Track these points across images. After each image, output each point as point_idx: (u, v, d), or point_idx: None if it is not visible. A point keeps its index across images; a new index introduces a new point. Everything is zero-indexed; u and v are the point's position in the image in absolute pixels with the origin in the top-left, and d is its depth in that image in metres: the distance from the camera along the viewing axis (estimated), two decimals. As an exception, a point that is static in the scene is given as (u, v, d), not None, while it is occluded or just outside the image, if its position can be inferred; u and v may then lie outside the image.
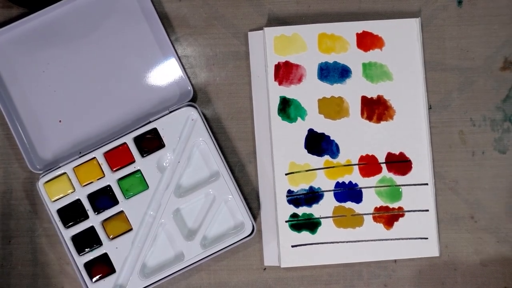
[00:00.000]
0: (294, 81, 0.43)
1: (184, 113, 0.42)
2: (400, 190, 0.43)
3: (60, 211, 0.41)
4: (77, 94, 0.43)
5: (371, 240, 0.42)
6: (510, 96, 0.43)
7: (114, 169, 0.41)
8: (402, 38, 0.43)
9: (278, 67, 0.43)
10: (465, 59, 0.44)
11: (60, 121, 0.43)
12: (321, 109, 0.43)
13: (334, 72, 0.43)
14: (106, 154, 0.41)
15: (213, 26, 0.44)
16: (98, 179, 0.41)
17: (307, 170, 0.43)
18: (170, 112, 0.42)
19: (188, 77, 0.43)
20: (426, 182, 0.43)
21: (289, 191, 0.43)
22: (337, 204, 0.43)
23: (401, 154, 0.43)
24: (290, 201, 0.43)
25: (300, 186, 0.43)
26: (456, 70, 0.43)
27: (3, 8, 0.43)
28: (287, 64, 0.43)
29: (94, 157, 0.41)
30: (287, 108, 0.43)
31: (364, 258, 0.42)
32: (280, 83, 0.43)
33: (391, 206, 0.43)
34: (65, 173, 0.41)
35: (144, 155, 0.41)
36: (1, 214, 0.43)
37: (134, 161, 0.41)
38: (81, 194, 0.41)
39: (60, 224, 0.41)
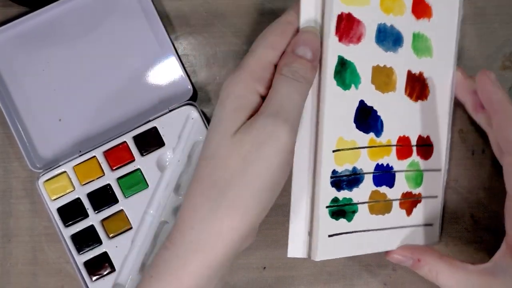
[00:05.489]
0: (354, 40, 0.36)
1: (184, 112, 0.42)
2: (422, 175, 0.40)
3: (60, 210, 0.41)
4: (77, 93, 0.43)
5: (396, 228, 0.39)
6: (510, 95, 0.43)
7: (114, 168, 0.41)
8: (446, 13, 0.39)
9: (340, 18, 0.35)
10: (465, 58, 0.44)
11: (60, 119, 0.43)
12: (374, 78, 0.37)
13: (390, 38, 0.37)
14: (106, 153, 0.41)
15: (213, 25, 0.44)
16: (98, 178, 0.41)
17: (354, 148, 0.37)
18: (170, 111, 0.42)
19: (188, 76, 0.43)
20: (440, 168, 0.40)
21: (334, 172, 0.36)
22: (374, 188, 0.38)
23: (428, 138, 0.40)
24: (333, 183, 0.36)
25: (345, 166, 0.36)
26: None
27: (3, 7, 0.44)
28: (349, 18, 0.35)
29: (94, 156, 0.41)
30: (343, 72, 0.35)
31: (393, 245, 0.39)
32: (340, 39, 0.35)
33: (413, 192, 0.39)
34: (65, 171, 0.41)
35: (144, 154, 0.41)
36: (1, 212, 0.43)
37: (134, 160, 0.41)
38: (81, 193, 0.41)
39: (60, 223, 0.41)
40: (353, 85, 0.36)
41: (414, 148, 0.39)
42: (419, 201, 0.40)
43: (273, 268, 0.43)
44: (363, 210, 0.37)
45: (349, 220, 0.37)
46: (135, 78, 0.43)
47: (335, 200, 0.36)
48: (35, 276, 0.43)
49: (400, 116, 0.38)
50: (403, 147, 0.38)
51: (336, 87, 0.35)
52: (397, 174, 0.39)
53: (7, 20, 0.43)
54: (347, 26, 0.35)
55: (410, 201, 0.39)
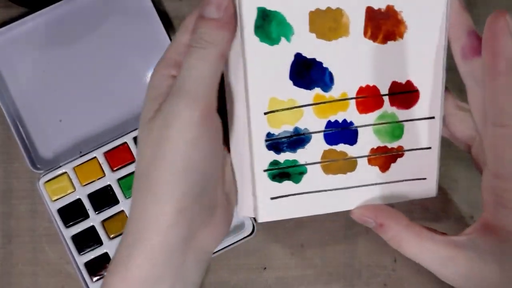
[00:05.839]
0: None
1: (184, 112, 0.42)
2: (402, 126, 0.35)
3: (60, 211, 0.41)
4: (77, 94, 0.43)
5: (363, 186, 0.35)
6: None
7: (115, 169, 0.41)
8: None
9: None
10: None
11: (60, 120, 0.43)
12: (312, 25, 0.32)
13: None
14: (107, 154, 0.41)
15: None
16: (98, 179, 0.41)
17: (291, 108, 0.33)
18: (170, 111, 0.42)
19: (188, 77, 0.43)
20: (433, 116, 0.34)
21: (269, 134, 0.33)
22: (327, 147, 0.34)
23: (408, 83, 0.34)
24: (269, 146, 0.34)
25: (283, 128, 0.33)
26: (456, 70, 0.43)
27: (3, 7, 0.44)
28: None
29: (95, 157, 0.41)
30: (267, 25, 0.31)
31: (353, 205, 0.35)
32: None
33: (389, 146, 0.35)
34: (65, 172, 0.41)
35: (145, 155, 0.41)
36: (2, 213, 0.43)
37: (134, 161, 0.41)
38: (82, 194, 0.41)
39: (60, 224, 0.41)
40: (283, 38, 0.32)
41: (386, 98, 0.34)
42: (400, 155, 0.35)
43: (273, 268, 0.43)
44: (314, 170, 0.35)
45: (297, 181, 0.35)
46: (135, 78, 0.43)
47: (275, 163, 0.34)
48: (36, 277, 0.43)
49: (360, 64, 0.33)
50: (367, 99, 0.34)
51: (260, 44, 0.31)
52: (360, 130, 0.34)
53: (8, 21, 0.43)
54: None
55: (384, 157, 0.35)
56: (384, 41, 0.33)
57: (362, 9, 0.32)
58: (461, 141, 0.35)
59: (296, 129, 0.34)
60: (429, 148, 0.35)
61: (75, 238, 0.41)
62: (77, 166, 0.41)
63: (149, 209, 0.30)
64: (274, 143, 0.34)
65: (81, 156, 0.41)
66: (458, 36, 0.33)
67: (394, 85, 0.34)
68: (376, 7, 0.32)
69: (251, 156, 0.34)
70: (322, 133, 0.34)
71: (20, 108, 0.43)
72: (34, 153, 0.42)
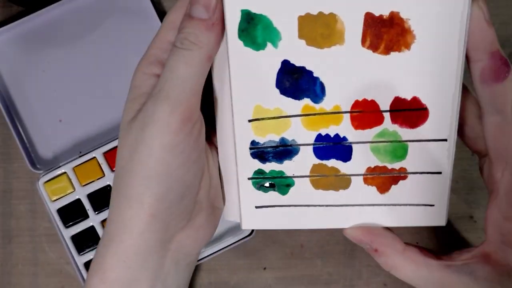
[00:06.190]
0: None
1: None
2: (406, 146, 0.31)
3: (60, 211, 0.41)
4: (77, 94, 0.43)
5: (358, 205, 0.33)
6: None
7: (114, 169, 0.41)
8: None
9: None
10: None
11: (60, 120, 0.43)
12: (302, 31, 0.29)
13: None
14: (106, 154, 0.41)
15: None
16: (98, 179, 0.41)
17: (277, 117, 0.31)
18: (170, 111, 0.41)
19: (188, 77, 0.43)
20: (445, 138, 0.31)
21: (253, 142, 0.32)
22: (317, 161, 0.32)
23: (415, 99, 0.30)
24: (254, 155, 0.32)
25: (268, 137, 0.32)
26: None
27: (3, 7, 0.44)
28: None
29: (94, 157, 0.41)
30: (252, 29, 0.29)
31: (347, 224, 0.33)
32: None
33: (390, 166, 0.32)
34: (65, 172, 0.41)
35: (144, 155, 0.41)
36: (1, 213, 0.43)
37: (134, 161, 0.41)
38: (81, 194, 0.41)
39: (60, 224, 0.41)
40: (269, 44, 0.29)
41: (387, 114, 0.31)
42: (403, 177, 0.32)
43: (273, 268, 0.43)
44: (302, 184, 0.32)
45: (283, 193, 0.33)
46: (135, 78, 0.43)
47: (260, 172, 0.32)
48: (36, 277, 0.43)
49: (356, 76, 0.30)
50: (363, 114, 0.31)
51: (245, 48, 0.29)
52: (355, 146, 0.32)
53: (7, 20, 0.43)
54: None
55: (383, 177, 0.32)
56: (386, 51, 0.29)
57: (360, 15, 0.29)
58: (472, 150, 0.33)
59: (282, 139, 0.32)
60: (439, 173, 0.32)
61: (75, 238, 0.41)
62: (77, 166, 0.41)
63: (122, 212, 0.30)
64: (259, 152, 0.32)
65: (80, 156, 0.41)
66: (479, 56, 0.28)
67: (397, 101, 0.30)
68: (377, 14, 0.28)
69: (236, 163, 0.33)
70: (311, 146, 0.32)
71: (20, 108, 0.43)
72: (34, 153, 0.42)
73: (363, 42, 0.29)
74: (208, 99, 0.31)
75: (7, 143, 0.43)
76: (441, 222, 0.33)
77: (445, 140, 0.31)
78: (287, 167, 0.32)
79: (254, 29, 0.29)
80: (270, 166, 0.32)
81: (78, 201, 0.41)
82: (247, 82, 0.30)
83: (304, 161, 0.32)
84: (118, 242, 0.30)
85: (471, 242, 0.43)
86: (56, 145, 0.43)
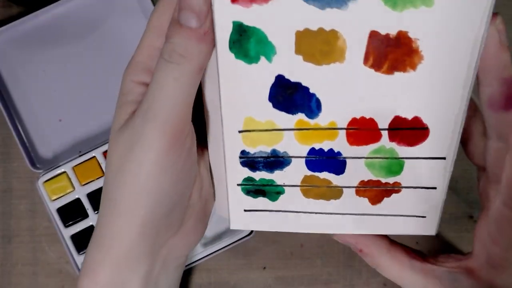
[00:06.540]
0: None
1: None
2: (402, 163, 0.30)
3: (60, 210, 0.41)
4: (77, 93, 0.43)
5: (349, 214, 0.32)
6: None
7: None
8: None
9: None
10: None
11: (60, 120, 0.43)
12: (299, 47, 0.27)
13: None
14: (106, 153, 0.41)
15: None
16: (97, 178, 0.41)
17: (269, 130, 0.30)
18: (170, 111, 0.42)
19: (188, 76, 0.43)
20: (443, 156, 0.30)
21: (243, 152, 0.31)
22: (309, 173, 0.31)
23: (416, 119, 0.29)
24: (244, 164, 0.31)
25: (259, 148, 0.30)
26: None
27: (3, 7, 0.44)
28: None
29: (94, 156, 0.41)
30: (244, 41, 0.27)
31: (336, 230, 0.33)
32: (234, 0, 0.26)
33: (384, 180, 0.31)
34: (65, 172, 0.41)
35: (144, 154, 0.41)
36: (1, 213, 0.43)
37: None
38: (81, 193, 0.41)
39: (60, 223, 0.41)
40: (263, 57, 0.27)
41: (385, 133, 0.29)
42: (396, 191, 0.31)
43: (273, 268, 0.43)
44: (292, 192, 0.32)
45: (273, 199, 0.32)
46: (135, 78, 0.43)
47: (250, 179, 0.32)
48: (36, 276, 0.43)
49: (355, 94, 0.28)
50: (360, 131, 0.30)
51: (236, 61, 0.27)
52: (349, 161, 0.31)
53: (7, 20, 0.43)
54: None
55: (375, 190, 0.32)
56: (390, 71, 0.27)
57: (365, 33, 0.26)
58: (473, 162, 0.32)
59: (274, 151, 0.31)
60: (434, 188, 0.31)
61: (75, 238, 0.41)
62: (76, 165, 0.41)
63: (112, 220, 0.29)
64: (249, 161, 0.31)
65: (80, 156, 0.41)
66: (489, 81, 0.27)
67: (397, 120, 0.29)
68: (383, 32, 0.26)
69: (225, 169, 0.32)
70: (303, 159, 0.31)
71: (20, 107, 0.43)
72: (34, 152, 0.42)
73: (366, 60, 0.27)
74: (199, 98, 0.31)
75: (7, 142, 0.43)
76: (432, 231, 0.33)
77: (444, 158, 0.30)
78: (278, 176, 0.31)
79: (247, 42, 0.27)
80: (260, 175, 0.31)
81: (78, 200, 0.41)
82: (238, 94, 0.29)
83: (295, 172, 0.31)
84: (108, 247, 0.30)
85: (471, 242, 0.43)
86: (56, 145, 0.43)
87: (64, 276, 0.43)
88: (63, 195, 0.41)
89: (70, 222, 0.41)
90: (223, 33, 0.27)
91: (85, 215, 0.41)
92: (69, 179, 0.41)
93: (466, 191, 0.43)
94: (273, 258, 0.44)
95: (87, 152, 0.41)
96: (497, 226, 0.29)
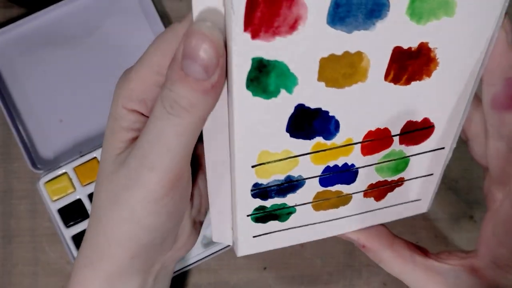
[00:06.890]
0: (282, 31, 0.23)
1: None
2: (408, 161, 0.31)
3: (60, 211, 0.41)
4: (78, 94, 0.43)
5: (355, 214, 0.32)
6: None
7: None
8: None
9: (253, 3, 0.21)
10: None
11: (60, 120, 0.43)
12: (323, 73, 0.25)
13: (358, 10, 0.23)
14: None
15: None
16: (98, 179, 0.42)
17: (285, 158, 0.28)
18: (171, 111, 0.42)
19: (189, 77, 0.43)
20: (443, 146, 0.30)
21: (256, 184, 0.29)
22: (322, 189, 0.30)
23: (425, 120, 0.29)
24: (255, 195, 0.29)
25: (273, 177, 0.29)
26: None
27: (3, 8, 0.44)
28: None
29: (95, 157, 0.41)
30: (264, 77, 0.24)
31: (341, 231, 0.33)
32: (255, 36, 0.22)
33: (390, 179, 0.31)
34: (65, 172, 0.41)
35: (145, 155, 0.41)
36: (2, 213, 0.43)
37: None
38: (82, 194, 0.41)
39: (60, 224, 0.41)
40: (283, 90, 0.25)
41: (397, 138, 0.29)
42: (399, 185, 0.32)
43: (273, 268, 0.43)
44: (303, 209, 0.31)
45: (283, 220, 0.31)
46: (135, 78, 0.43)
47: (261, 208, 0.30)
48: (36, 277, 0.43)
49: (373, 109, 0.27)
50: (374, 142, 0.29)
51: (253, 98, 0.25)
52: (361, 170, 0.30)
53: (8, 21, 0.43)
54: (269, 11, 0.22)
55: (381, 189, 0.32)
56: (408, 82, 0.27)
57: (388, 50, 0.25)
58: (478, 163, 0.31)
59: (288, 177, 0.29)
60: (431, 174, 0.32)
61: (75, 238, 0.41)
62: (77, 166, 0.41)
63: (101, 246, 0.28)
64: (262, 192, 0.29)
65: (81, 156, 0.41)
66: (493, 80, 0.26)
67: (409, 124, 0.29)
68: (405, 46, 0.25)
69: (233, 201, 0.30)
70: (317, 178, 0.30)
71: (20, 108, 0.43)
72: (34, 153, 0.42)
73: (386, 76, 0.26)
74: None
75: (7, 143, 0.43)
76: (423, 209, 0.33)
77: (443, 148, 0.30)
78: (290, 199, 0.30)
79: (267, 78, 0.24)
80: (271, 202, 0.30)
81: (79, 201, 0.41)
82: (253, 130, 0.26)
83: (308, 191, 0.30)
84: (98, 268, 0.29)
85: (471, 242, 0.43)
86: (56, 145, 0.43)
87: (65, 276, 0.43)
88: (64, 196, 0.41)
89: (71, 223, 0.41)
90: (240, 73, 0.24)
91: (86, 216, 0.41)
92: (70, 179, 0.41)
93: (466, 191, 0.43)
94: (273, 258, 0.44)
95: (88, 153, 0.41)
96: (505, 228, 0.29)
